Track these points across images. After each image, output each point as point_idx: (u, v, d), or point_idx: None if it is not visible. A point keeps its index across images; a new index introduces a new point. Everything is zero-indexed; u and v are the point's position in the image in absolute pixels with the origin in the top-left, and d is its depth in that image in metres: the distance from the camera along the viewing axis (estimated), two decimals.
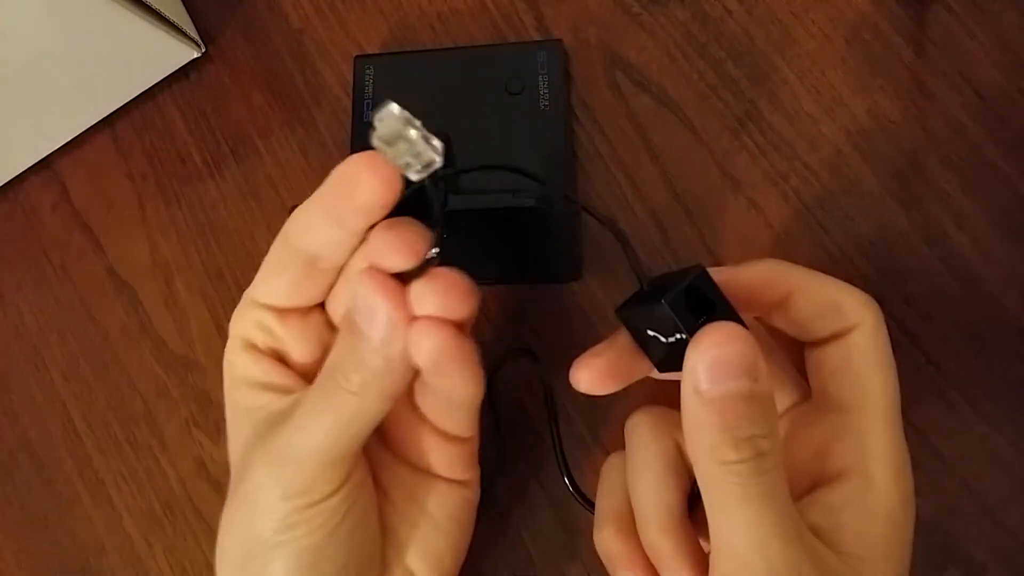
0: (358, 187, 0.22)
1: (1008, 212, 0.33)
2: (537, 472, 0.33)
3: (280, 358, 0.26)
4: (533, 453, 0.33)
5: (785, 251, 0.34)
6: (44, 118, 0.38)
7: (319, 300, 0.26)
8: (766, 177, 0.35)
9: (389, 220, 0.23)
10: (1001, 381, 0.32)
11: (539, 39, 0.37)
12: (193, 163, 0.38)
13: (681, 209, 0.35)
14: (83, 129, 0.39)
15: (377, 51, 0.38)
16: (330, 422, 0.23)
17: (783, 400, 0.27)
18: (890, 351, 0.25)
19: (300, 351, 0.26)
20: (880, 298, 0.31)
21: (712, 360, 0.21)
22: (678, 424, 0.27)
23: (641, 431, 0.27)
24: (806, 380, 0.27)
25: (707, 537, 0.25)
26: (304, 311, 0.26)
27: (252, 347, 0.26)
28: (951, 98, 0.34)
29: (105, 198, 0.39)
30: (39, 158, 0.39)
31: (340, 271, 0.25)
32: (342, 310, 0.26)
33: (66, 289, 0.38)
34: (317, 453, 0.23)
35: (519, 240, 0.33)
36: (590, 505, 0.30)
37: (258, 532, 0.23)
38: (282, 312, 0.26)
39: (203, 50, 0.39)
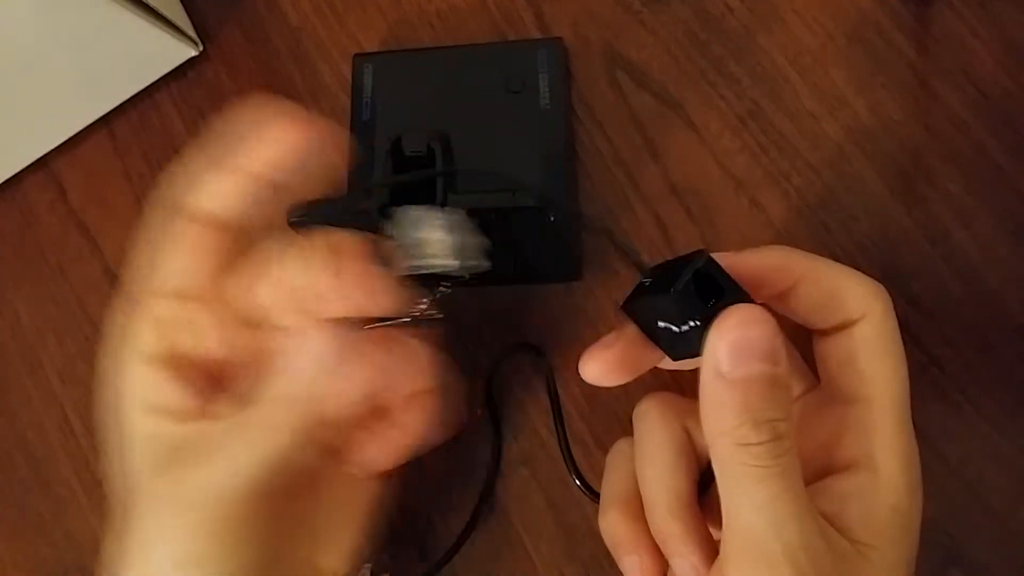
0: (271, 139, 0.22)
1: (1011, 211, 0.33)
2: (536, 474, 0.33)
3: (184, 365, 0.24)
4: (533, 454, 0.33)
5: None
6: (41, 117, 0.38)
7: (225, 279, 0.24)
8: (768, 176, 0.34)
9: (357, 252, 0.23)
10: (1004, 382, 0.31)
11: (539, 37, 0.37)
12: None
13: (682, 208, 0.34)
14: (80, 128, 0.39)
15: (376, 49, 0.38)
16: (247, 460, 0.22)
17: (792, 389, 0.27)
18: (898, 341, 0.24)
19: (208, 345, 0.24)
20: None
21: (734, 342, 0.21)
22: (687, 410, 0.27)
23: (651, 416, 0.27)
24: (813, 368, 0.27)
25: (714, 523, 0.24)
26: (208, 300, 0.24)
27: (151, 359, 0.24)
28: (954, 96, 0.34)
29: (102, 198, 0.38)
30: (36, 157, 0.39)
31: (239, 239, 0.24)
32: (255, 302, 0.24)
33: (63, 289, 0.38)
34: (231, 491, 0.22)
35: (519, 240, 0.33)
36: (594, 495, 0.29)
37: (165, 570, 0.22)
38: (185, 299, 0.24)
39: (201, 48, 0.39)
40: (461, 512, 0.32)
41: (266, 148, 0.22)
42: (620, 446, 0.29)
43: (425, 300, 0.24)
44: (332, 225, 0.27)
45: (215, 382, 0.24)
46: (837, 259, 0.33)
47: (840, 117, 0.35)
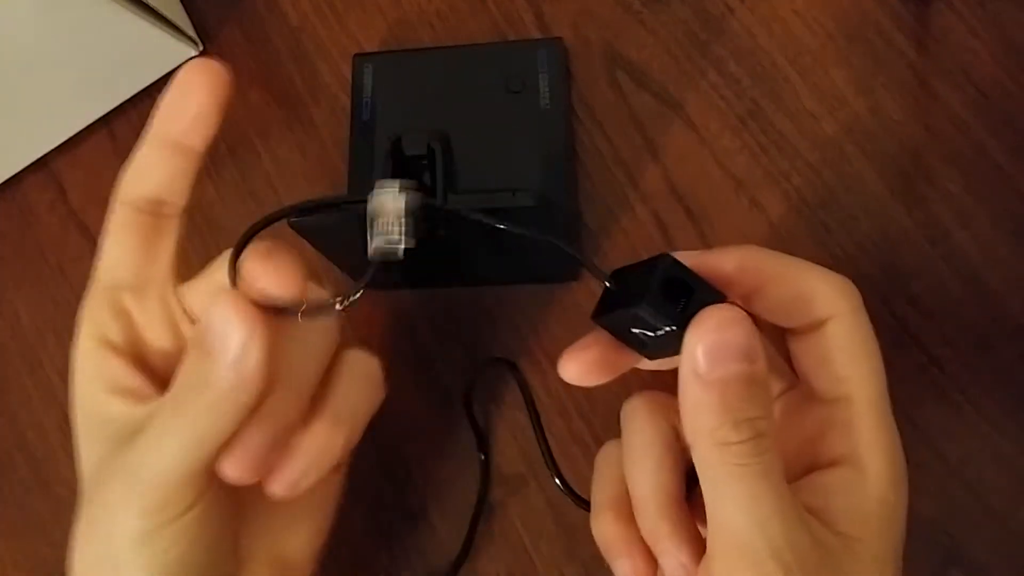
0: (191, 97, 0.23)
1: (1011, 211, 0.33)
2: (536, 475, 0.33)
3: (136, 353, 0.25)
4: (533, 455, 0.33)
5: (787, 250, 0.33)
6: (41, 117, 0.38)
7: (169, 268, 0.25)
8: (768, 176, 0.34)
9: (266, 244, 0.23)
10: (1004, 382, 0.31)
11: (539, 37, 0.37)
12: None
13: (682, 209, 0.34)
14: (80, 128, 0.39)
15: (376, 49, 0.38)
16: (183, 440, 0.22)
17: (772, 387, 0.27)
18: (871, 337, 0.24)
19: (157, 335, 0.25)
20: (883, 298, 0.31)
21: (712, 343, 0.21)
22: (674, 408, 0.27)
23: (637, 415, 0.27)
24: (790, 366, 0.27)
25: (703, 520, 0.24)
26: (159, 293, 0.25)
27: (106, 343, 0.25)
28: (954, 96, 0.34)
29: (102, 198, 0.38)
30: (36, 157, 0.39)
31: (182, 224, 0.25)
32: (201, 303, 0.26)
33: (63, 289, 0.38)
34: (171, 471, 0.22)
35: (519, 240, 0.33)
36: (583, 502, 0.29)
37: (116, 549, 0.23)
38: (136, 291, 0.25)
39: (201, 48, 0.39)
40: (463, 514, 0.32)
41: (170, 111, 0.24)
42: (608, 448, 0.29)
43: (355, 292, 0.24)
44: (330, 225, 0.27)
45: (158, 371, 0.25)
46: (837, 259, 0.33)
47: (840, 117, 0.35)
